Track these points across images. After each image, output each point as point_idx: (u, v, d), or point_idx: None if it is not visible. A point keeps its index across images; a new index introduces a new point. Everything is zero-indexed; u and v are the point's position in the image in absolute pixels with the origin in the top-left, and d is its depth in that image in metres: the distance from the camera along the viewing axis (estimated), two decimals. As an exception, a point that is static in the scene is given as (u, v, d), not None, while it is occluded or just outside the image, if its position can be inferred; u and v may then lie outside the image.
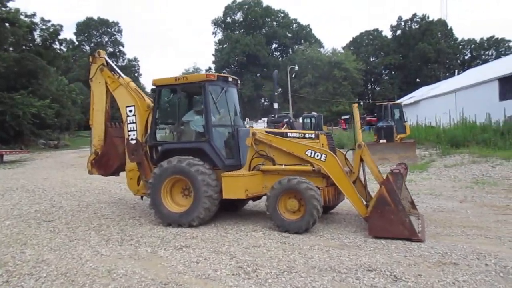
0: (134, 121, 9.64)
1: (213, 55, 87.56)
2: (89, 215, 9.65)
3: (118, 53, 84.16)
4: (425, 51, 77.43)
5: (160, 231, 7.86)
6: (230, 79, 8.90)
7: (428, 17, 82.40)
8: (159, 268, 5.79)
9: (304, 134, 8.29)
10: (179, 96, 8.64)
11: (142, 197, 9.98)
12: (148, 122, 9.54)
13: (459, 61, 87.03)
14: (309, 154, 7.91)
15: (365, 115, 60.92)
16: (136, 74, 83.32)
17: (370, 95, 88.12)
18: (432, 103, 38.85)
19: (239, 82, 9.36)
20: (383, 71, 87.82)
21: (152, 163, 9.11)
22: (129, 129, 9.68)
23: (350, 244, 6.72)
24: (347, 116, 57.78)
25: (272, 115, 30.37)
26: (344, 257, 6.05)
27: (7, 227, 8.53)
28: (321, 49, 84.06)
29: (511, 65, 29.76)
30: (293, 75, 72.37)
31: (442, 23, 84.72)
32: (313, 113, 32.60)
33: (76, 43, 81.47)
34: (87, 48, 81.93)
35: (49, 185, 15.24)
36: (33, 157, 29.36)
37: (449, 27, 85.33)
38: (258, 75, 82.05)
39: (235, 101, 9.16)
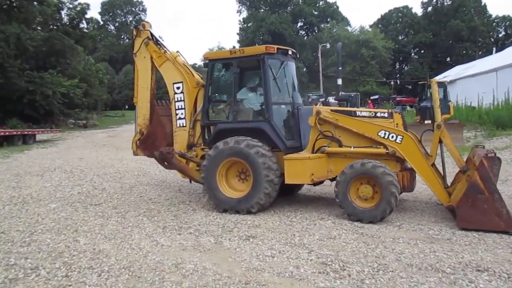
0: (182, 98, 8.97)
1: (237, 34, 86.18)
2: (136, 199, 9.11)
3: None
4: (458, 29, 74.18)
5: (218, 218, 7.23)
6: (290, 52, 8.07)
7: (461, -7, 78.62)
8: (231, 262, 5.15)
9: (376, 113, 7.45)
10: (234, 71, 7.87)
11: (190, 180, 9.37)
12: (198, 100, 8.87)
13: (492, 39, 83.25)
14: (382, 135, 7.09)
15: (395, 95, 59.09)
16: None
17: (398, 75, 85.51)
18: (469, 83, 36.95)
19: (297, 55, 8.51)
20: (413, 50, 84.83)
21: (204, 144, 8.44)
22: (176, 108, 9.03)
23: (438, 237, 5.95)
24: (376, 97, 56.00)
25: (332, 93, 27.66)
26: (439, 253, 5.28)
27: (53, 211, 8.05)
28: (348, 28, 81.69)
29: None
30: (319, 55, 70.57)
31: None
32: (351, 93, 30.86)
33: (101, 22, 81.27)
34: (112, 27, 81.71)
35: (85, 165, 14.85)
36: (63, 137, 29.29)
37: (482, 3, 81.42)
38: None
39: (294, 76, 8.34)
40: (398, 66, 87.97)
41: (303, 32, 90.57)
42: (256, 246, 5.73)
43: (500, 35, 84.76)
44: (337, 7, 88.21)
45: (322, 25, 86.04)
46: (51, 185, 10.89)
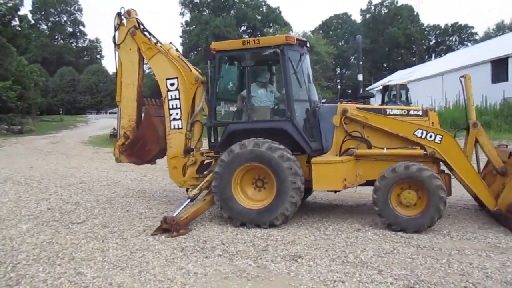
0: (177, 96, 7.81)
1: (180, 36, 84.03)
2: (123, 214, 7.78)
3: (78, 34, 78.88)
4: (395, 36, 77.78)
5: (239, 235, 6.20)
6: (308, 44, 7.22)
7: (397, 2, 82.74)
8: (297, 292, 4.18)
9: (408, 110, 6.80)
10: (247, 64, 6.88)
11: (187, 189, 8.20)
12: (196, 99, 7.77)
13: (424, 46, 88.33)
14: (419, 135, 6.46)
15: (341, 99, 60.39)
16: (98, 56, 78.63)
17: (339, 80, 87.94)
18: (416, 86, 38.45)
19: (312, 49, 7.69)
20: (352, 56, 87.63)
21: (211, 148, 7.35)
22: (170, 107, 7.86)
23: (503, 246, 5.39)
24: (324, 100, 56.79)
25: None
26: (522, 265, 4.67)
27: (28, 233, 6.55)
28: (291, 33, 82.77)
29: (502, 48, 29.55)
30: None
31: (408, 8, 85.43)
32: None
33: (32, 21, 75.47)
34: (44, 27, 76.27)
35: (40, 175, 12.99)
36: (-1, 144, 26.25)
37: (415, 13, 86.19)
38: (227, 58, 79.55)
39: (310, 71, 7.50)
40: (339, 71, 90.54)
41: (247, 36, 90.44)
42: (311, 268, 4.80)
43: (431, 43, 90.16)
44: (280, 12, 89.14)
45: (265, 30, 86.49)
46: (9, 200, 9.16)
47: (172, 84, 7.84)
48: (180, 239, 6.07)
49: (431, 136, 6.39)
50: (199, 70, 8.08)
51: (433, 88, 34.31)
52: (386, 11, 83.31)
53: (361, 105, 6.98)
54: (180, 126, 7.82)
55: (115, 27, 8.25)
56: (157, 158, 8.41)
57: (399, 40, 78.26)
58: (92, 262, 5.16)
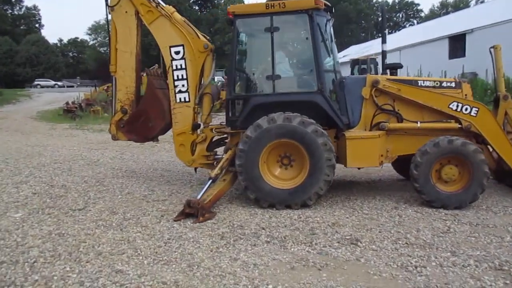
0: (183, 66, 7.03)
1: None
2: (126, 197, 6.99)
3: (13, 0, 72.19)
4: (347, 11, 78.47)
5: (273, 217, 5.70)
6: (333, 10, 6.66)
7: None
8: (388, 281, 3.78)
9: (441, 82, 6.50)
10: (272, 30, 6.22)
11: (196, 169, 7.54)
12: (205, 69, 7.04)
13: (372, 22, 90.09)
14: (454, 108, 6.20)
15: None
16: (37, 25, 72.77)
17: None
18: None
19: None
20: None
21: (229, 124, 6.68)
22: (175, 78, 7.07)
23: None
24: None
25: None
26: None
27: (27, 223, 5.64)
28: (242, 4, 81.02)
29: (459, 24, 30.47)
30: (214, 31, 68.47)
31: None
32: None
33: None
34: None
35: (1, 155, 11.61)
36: None
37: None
38: (178, 30, 76.47)
39: (333, 39, 6.97)
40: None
41: (197, 8, 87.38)
42: (377, 252, 4.43)
43: (379, 19, 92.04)
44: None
45: (216, 1, 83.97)
46: (-19, 185, 8.00)
47: (177, 53, 7.03)
48: (210, 225, 5.46)
49: (466, 109, 6.16)
50: (208, 37, 7.30)
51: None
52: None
53: (391, 76, 6.59)
54: (187, 99, 7.07)
55: (107, -15, 7.22)
56: (160, 135, 7.61)
57: (350, 16, 79.12)
58: (125, 257, 4.45)
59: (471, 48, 27.05)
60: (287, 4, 6.21)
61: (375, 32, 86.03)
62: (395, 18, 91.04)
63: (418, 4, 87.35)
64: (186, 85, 7.04)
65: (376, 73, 21.69)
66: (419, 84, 6.42)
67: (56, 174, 9.04)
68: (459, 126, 6.17)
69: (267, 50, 6.33)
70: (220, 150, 7.43)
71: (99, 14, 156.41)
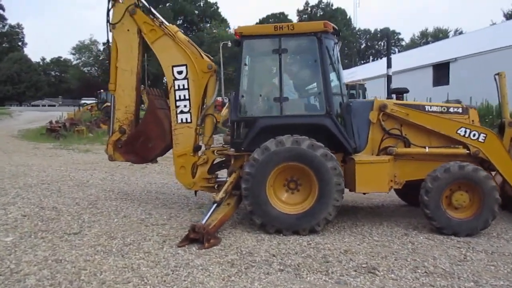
0: (186, 86, 6.88)
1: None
2: (122, 221, 6.66)
3: (-3, 18, 71.55)
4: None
5: (282, 243, 5.48)
6: (340, 34, 6.64)
7: (332, 5, 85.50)
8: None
9: (448, 107, 6.48)
10: (280, 52, 6.14)
11: (196, 192, 7.29)
12: (208, 89, 6.91)
13: (355, 49, 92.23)
14: (462, 134, 6.17)
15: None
16: (20, 43, 71.94)
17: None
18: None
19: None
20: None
21: (233, 146, 6.50)
22: (177, 98, 6.90)
23: None
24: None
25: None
26: None
27: (18, 248, 5.27)
28: (228, 30, 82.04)
29: (443, 53, 31.30)
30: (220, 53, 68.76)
31: (342, 11, 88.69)
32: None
33: None
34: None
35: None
36: None
37: (348, 16, 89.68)
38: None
39: (340, 63, 6.93)
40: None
41: (182, 31, 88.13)
42: (398, 282, 4.26)
43: (362, 46, 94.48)
44: (218, 7, 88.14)
45: (202, 25, 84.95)
46: (-36, 207, 7.55)
47: (179, 72, 6.88)
48: (217, 251, 5.20)
49: (474, 135, 6.13)
50: (211, 57, 7.18)
51: (378, 89, 35.49)
52: (321, 13, 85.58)
53: (398, 101, 6.56)
54: (189, 120, 6.89)
55: (109, 2, 7.08)
56: (159, 156, 7.36)
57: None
58: (131, 286, 4.16)
59: (455, 76, 27.73)
60: (296, 27, 6.17)
61: (357, 59, 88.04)
62: (377, 46, 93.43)
63: (399, 33, 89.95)
64: (188, 106, 6.88)
65: (364, 97, 21.96)
66: (426, 109, 6.39)
67: (45, 195, 8.63)
68: (467, 152, 6.12)
69: (275, 72, 6.24)
70: (221, 173, 7.24)
71: (84, 34, 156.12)
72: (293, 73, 6.53)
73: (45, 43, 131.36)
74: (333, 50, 6.36)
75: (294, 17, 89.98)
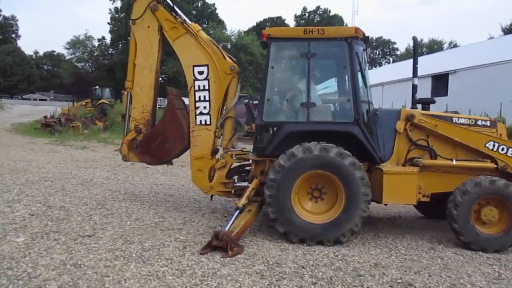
0: (206, 87, 6.68)
1: (108, 23, 78.58)
2: (136, 224, 6.41)
3: (-10, 9, 70.35)
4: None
5: (308, 254, 5.30)
6: (368, 40, 6.50)
7: (329, 11, 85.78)
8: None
9: (476, 120, 6.37)
10: (309, 56, 5.97)
11: (212, 196, 7.07)
12: (230, 91, 6.73)
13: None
14: (490, 147, 6.07)
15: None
16: (13, 35, 70.91)
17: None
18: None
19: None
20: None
21: (256, 151, 6.31)
22: (197, 99, 6.69)
23: None
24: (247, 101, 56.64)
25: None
26: None
27: (32, 250, 4.99)
28: (225, 31, 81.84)
29: (442, 64, 31.48)
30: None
31: (339, 18, 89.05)
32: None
33: None
34: None
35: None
36: None
37: (345, 24, 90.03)
38: (159, 50, 75.78)
39: (367, 70, 6.77)
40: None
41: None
42: (438, 300, 4.08)
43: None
44: (215, 9, 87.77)
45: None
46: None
47: (200, 73, 6.68)
48: (242, 260, 5.00)
49: (503, 149, 6.03)
50: (234, 59, 6.99)
51: (374, 98, 35.59)
52: (319, 19, 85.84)
53: (425, 111, 6.43)
54: (208, 122, 6.69)
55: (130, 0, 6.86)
56: (175, 158, 7.14)
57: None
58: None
59: (454, 87, 27.88)
60: (326, 31, 6.01)
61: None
62: (372, 55, 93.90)
63: (395, 43, 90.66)
64: (208, 107, 6.68)
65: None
66: (454, 121, 6.27)
67: (50, 193, 8.31)
68: (495, 166, 6.01)
69: (302, 76, 6.07)
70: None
71: (79, 29, 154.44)
72: (321, 78, 6.37)
73: (39, 36, 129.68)
74: (363, 56, 6.20)
75: (291, 22, 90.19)
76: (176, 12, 6.79)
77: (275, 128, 6.06)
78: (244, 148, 7.05)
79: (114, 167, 12.69)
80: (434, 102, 6.69)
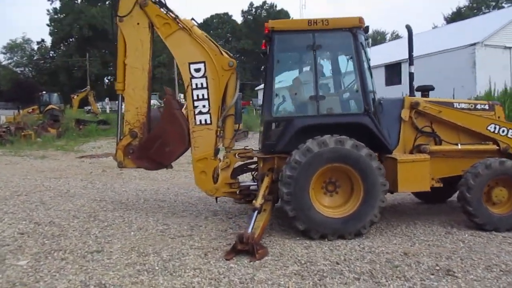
0: (204, 85, 6.39)
1: (47, 25, 74.56)
2: (142, 234, 6.03)
3: None
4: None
5: (334, 249, 5.20)
6: (368, 30, 6.46)
7: (276, 6, 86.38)
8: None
9: (475, 104, 6.53)
10: (315, 48, 5.85)
11: (217, 198, 6.79)
12: (229, 88, 6.49)
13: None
14: (492, 130, 6.26)
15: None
16: None
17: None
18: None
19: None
20: (236, 56, 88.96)
21: (264, 148, 6.11)
22: (195, 98, 6.39)
23: None
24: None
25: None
26: None
27: (42, 273, 4.53)
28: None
29: (395, 53, 32.53)
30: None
31: (284, 12, 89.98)
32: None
33: None
34: None
35: None
36: None
37: (291, 18, 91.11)
38: (105, 51, 73.17)
39: (369, 60, 6.73)
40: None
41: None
42: (483, 282, 4.13)
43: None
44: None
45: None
46: None
47: (197, 70, 6.37)
48: (272, 262, 4.81)
49: (503, 131, 6.23)
50: (231, 54, 6.72)
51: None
52: (265, 14, 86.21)
53: (428, 98, 6.51)
54: (208, 121, 6.40)
55: (116, -6, 6.41)
56: (174, 161, 6.78)
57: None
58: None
59: (407, 76, 28.89)
60: (330, 22, 5.89)
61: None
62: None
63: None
64: (207, 106, 6.38)
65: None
66: (455, 106, 6.40)
67: (30, 208, 7.68)
68: (497, 148, 6.19)
69: (309, 68, 5.93)
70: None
71: (15, 32, 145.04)
72: (327, 70, 6.27)
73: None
74: (365, 47, 6.17)
75: (238, 18, 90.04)
76: (167, 7, 6.41)
77: (285, 123, 5.87)
78: (246, 146, 6.83)
79: (86, 175, 12.01)
80: (433, 89, 6.79)
